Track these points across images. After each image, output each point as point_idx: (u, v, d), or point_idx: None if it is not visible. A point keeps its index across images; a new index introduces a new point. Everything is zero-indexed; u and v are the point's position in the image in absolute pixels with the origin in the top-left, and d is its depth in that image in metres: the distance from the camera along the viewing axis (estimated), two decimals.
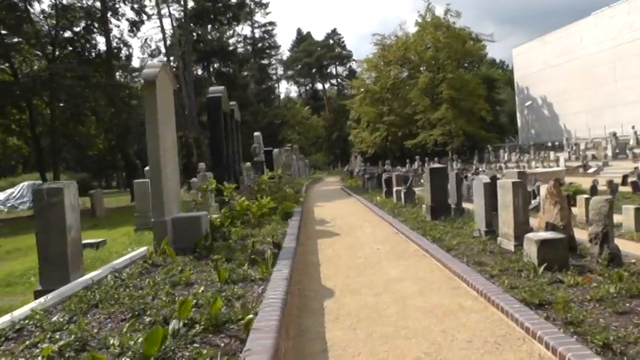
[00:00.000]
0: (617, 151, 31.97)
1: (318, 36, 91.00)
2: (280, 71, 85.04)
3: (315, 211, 15.24)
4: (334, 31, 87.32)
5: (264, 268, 5.23)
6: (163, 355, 3.13)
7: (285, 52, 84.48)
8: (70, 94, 30.52)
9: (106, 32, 34.98)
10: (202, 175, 9.73)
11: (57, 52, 33.31)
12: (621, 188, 17.35)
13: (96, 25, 34.13)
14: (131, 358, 3.11)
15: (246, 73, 62.18)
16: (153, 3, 46.73)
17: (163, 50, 51.65)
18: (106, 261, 8.29)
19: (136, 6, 36.52)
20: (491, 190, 7.83)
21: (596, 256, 5.87)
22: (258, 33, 73.33)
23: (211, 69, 56.52)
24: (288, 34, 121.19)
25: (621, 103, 40.14)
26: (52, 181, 32.32)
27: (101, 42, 36.25)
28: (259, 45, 73.12)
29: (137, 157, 39.46)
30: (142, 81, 6.99)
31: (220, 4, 52.44)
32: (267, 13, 76.82)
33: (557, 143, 42.14)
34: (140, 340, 3.24)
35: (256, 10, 69.49)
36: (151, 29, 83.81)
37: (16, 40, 31.76)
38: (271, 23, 73.72)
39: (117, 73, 38.25)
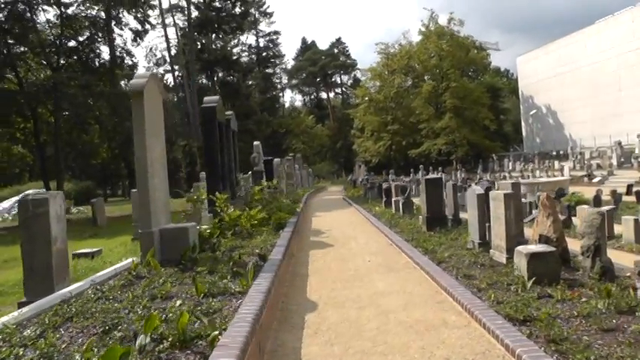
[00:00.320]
0: (623, 160, 31.73)
1: (323, 45, 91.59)
2: (285, 80, 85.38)
3: (313, 221, 15.14)
4: (339, 40, 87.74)
5: (244, 281, 5.14)
6: None
7: (289, 61, 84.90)
8: (72, 102, 30.70)
9: (110, 42, 35.24)
10: (196, 186, 9.70)
11: (61, 62, 33.54)
12: (625, 198, 17.18)
13: (100, 34, 34.38)
14: None
15: (250, 82, 62.36)
16: (157, 12, 47.07)
17: (168, 59, 52.03)
18: (99, 271, 8.22)
19: (139, 15, 36.75)
20: (484, 201, 7.72)
21: (588, 270, 5.74)
22: (262, 42, 73.72)
23: (215, 78, 56.72)
24: (293, 43, 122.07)
25: (627, 112, 39.94)
26: (55, 189, 32.53)
27: (105, 51, 36.48)
28: (264, 54, 73.39)
29: None
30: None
31: (224, 14, 52.81)
32: (271, 23, 77.09)
33: (561, 152, 41.93)
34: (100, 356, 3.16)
35: (261, 20, 69.95)
36: (155, 38, 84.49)
37: (22, 49, 32.03)
38: (276, 32, 74.12)
39: (122, 82, 38.46)
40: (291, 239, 9.15)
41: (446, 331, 4.38)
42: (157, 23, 48.39)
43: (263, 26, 72.37)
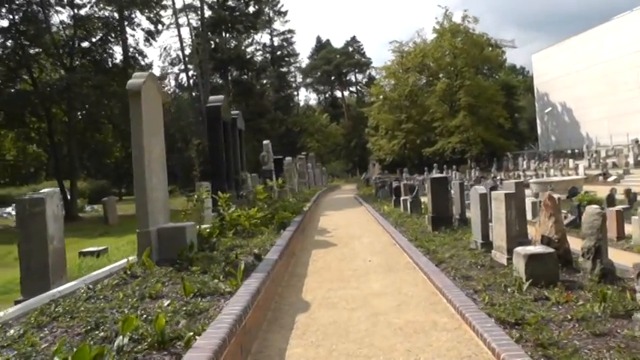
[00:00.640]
0: (639, 158, 31.13)
1: (338, 43, 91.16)
2: (299, 79, 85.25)
3: (321, 220, 15.08)
4: (354, 38, 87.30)
5: (235, 281, 5.09)
6: None
7: (304, 60, 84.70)
8: (85, 102, 30.93)
9: (123, 42, 35.48)
10: (198, 185, 9.70)
11: (75, 62, 33.84)
12: None
13: (113, 35, 34.63)
14: None
15: (264, 81, 62.31)
16: (170, 12, 47.34)
17: (182, 59, 52.28)
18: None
19: (152, 16, 36.94)
20: (486, 201, 7.59)
21: (588, 272, 5.60)
22: (277, 41, 73.53)
23: (229, 77, 56.81)
24: (308, 41, 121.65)
25: None
26: (69, 188, 32.89)
27: (118, 52, 36.72)
28: (278, 53, 73.27)
29: None
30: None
31: (237, 13, 52.88)
32: (286, 21, 76.89)
33: (577, 151, 41.28)
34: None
35: (275, 19, 69.72)
36: (169, 38, 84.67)
37: (36, 50, 32.39)
38: (290, 31, 73.82)
39: None
40: (294, 238, 9.11)
41: (435, 334, 4.29)
42: (171, 23, 48.68)
43: (277, 25, 72.24)
